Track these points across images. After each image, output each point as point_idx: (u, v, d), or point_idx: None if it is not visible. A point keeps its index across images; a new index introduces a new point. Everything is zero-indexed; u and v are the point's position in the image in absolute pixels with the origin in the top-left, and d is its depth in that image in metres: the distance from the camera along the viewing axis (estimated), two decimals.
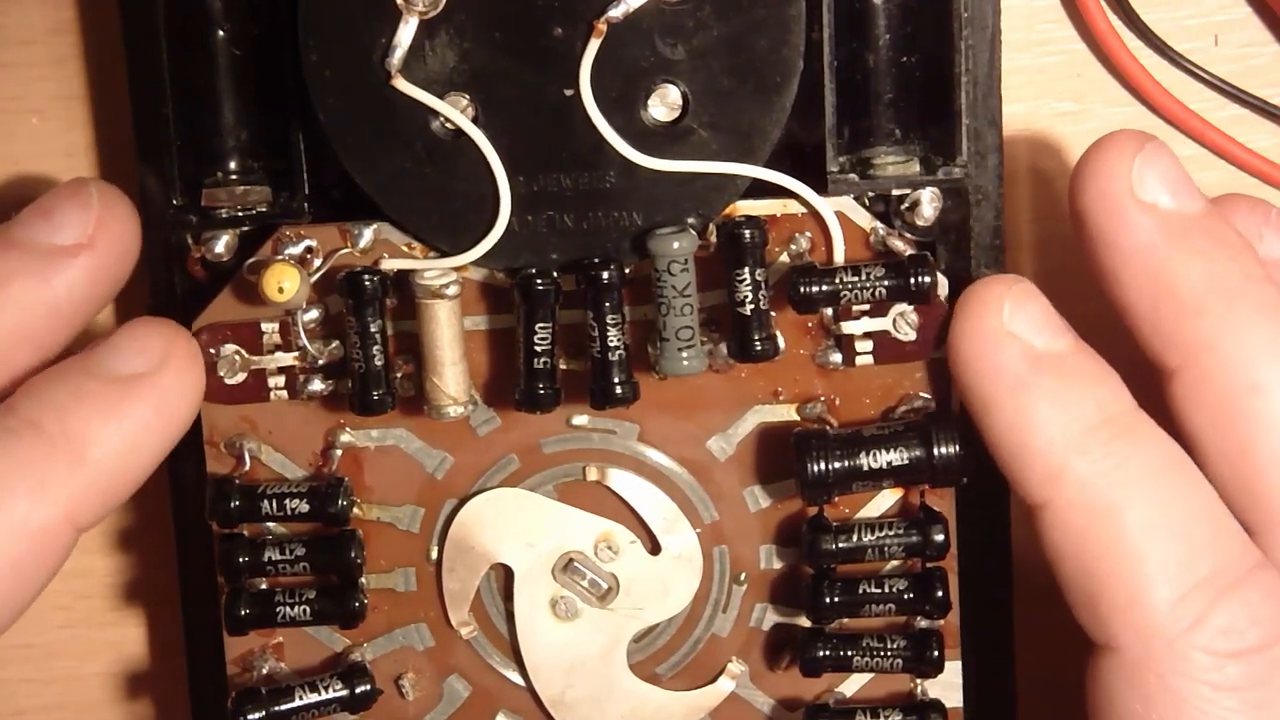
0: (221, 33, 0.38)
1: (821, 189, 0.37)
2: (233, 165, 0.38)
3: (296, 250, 0.37)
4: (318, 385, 0.38)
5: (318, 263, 0.37)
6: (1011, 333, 0.36)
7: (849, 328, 0.38)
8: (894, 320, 0.38)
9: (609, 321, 0.37)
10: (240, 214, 0.38)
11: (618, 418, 0.39)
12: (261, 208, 0.38)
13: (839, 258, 0.38)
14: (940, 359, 0.38)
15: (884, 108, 0.39)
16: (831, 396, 0.39)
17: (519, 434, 0.39)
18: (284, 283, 0.36)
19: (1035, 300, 0.36)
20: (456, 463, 0.39)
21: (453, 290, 0.37)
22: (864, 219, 0.38)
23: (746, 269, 0.36)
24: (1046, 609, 0.37)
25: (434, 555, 0.40)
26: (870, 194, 0.38)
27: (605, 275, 0.37)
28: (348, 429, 0.39)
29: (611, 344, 0.37)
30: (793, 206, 0.38)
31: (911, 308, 0.38)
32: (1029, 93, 0.42)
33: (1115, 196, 0.36)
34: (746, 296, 0.36)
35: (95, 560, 0.44)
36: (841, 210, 0.38)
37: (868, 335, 0.38)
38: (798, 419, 0.39)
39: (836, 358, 0.38)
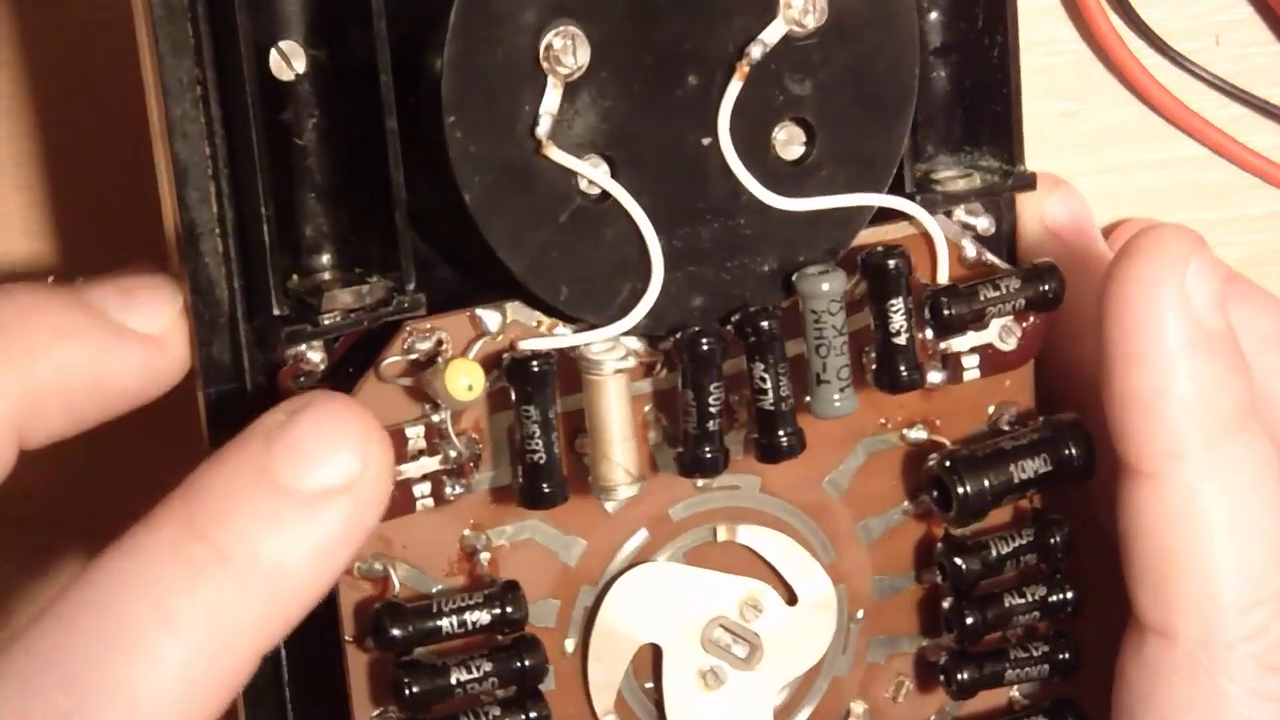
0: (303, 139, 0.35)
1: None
2: (334, 265, 0.35)
3: (427, 345, 0.34)
4: (458, 488, 0.35)
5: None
6: (1188, 296, 0.35)
7: (956, 344, 0.38)
8: (999, 332, 0.38)
9: (780, 371, 0.35)
10: (353, 316, 0.34)
11: (737, 471, 0.38)
12: (374, 306, 0.34)
13: (943, 276, 0.38)
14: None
15: (942, 120, 0.39)
16: (932, 417, 0.39)
17: (647, 505, 0.37)
18: (470, 380, 0.33)
19: (1217, 270, 0.35)
20: (589, 546, 0.37)
21: (627, 363, 0.34)
22: (955, 234, 0.38)
23: (899, 299, 0.36)
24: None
25: (569, 648, 0.37)
26: (946, 210, 0.38)
27: (767, 325, 0.35)
28: (485, 530, 0.36)
29: (783, 394, 0.35)
30: (894, 230, 0.37)
31: (1012, 316, 0.38)
32: (1029, 93, 0.41)
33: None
34: (902, 326, 0.36)
35: None
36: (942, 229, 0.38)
37: (974, 350, 0.38)
38: (903, 445, 0.39)
39: (937, 376, 0.38)
